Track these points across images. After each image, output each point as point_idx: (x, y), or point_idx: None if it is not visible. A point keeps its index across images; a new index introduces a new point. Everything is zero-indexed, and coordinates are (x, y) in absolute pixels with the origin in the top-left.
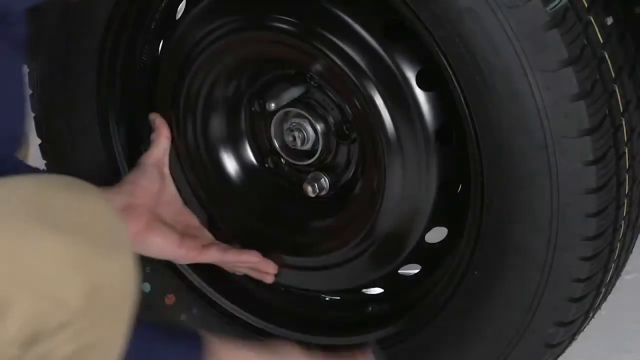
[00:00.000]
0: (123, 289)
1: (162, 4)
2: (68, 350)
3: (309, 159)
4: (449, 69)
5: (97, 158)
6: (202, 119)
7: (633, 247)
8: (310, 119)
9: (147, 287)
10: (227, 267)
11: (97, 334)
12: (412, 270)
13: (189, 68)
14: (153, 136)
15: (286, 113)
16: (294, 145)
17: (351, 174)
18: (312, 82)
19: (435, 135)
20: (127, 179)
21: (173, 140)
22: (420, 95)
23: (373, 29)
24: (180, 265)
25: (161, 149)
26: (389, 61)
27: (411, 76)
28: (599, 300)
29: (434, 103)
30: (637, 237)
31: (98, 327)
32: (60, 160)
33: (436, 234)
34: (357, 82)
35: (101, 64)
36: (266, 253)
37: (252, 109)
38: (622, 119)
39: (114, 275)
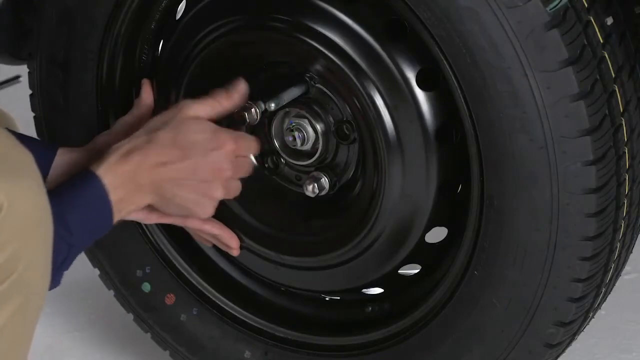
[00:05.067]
0: (31, 209)
1: (162, 4)
2: None
3: (309, 159)
4: (449, 69)
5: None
6: None
7: (633, 247)
8: (310, 119)
9: (147, 287)
10: (196, 238)
11: (15, 251)
12: (412, 270)
13: (188, 68)
14: (135, 101)
15: (286, 113)
16: (294, 145)
17: (351, 174)
18: (312, 82)
19: (435, 135)
20: (95, 139)
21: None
22: (420, 95)
23: (373, 29)
24: (180, 265)
25: (137, 115)
26: (389, 61)
27: (411, 76)
28: (599, 300)
29: (434, 103)
30: (637, 237)
31: (14, 245)
32: None
33: (436, 234)
34: (357, 82)
35: (101, 64)
36: (267, 252)
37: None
38: (622, 119)
39: (20, 196)
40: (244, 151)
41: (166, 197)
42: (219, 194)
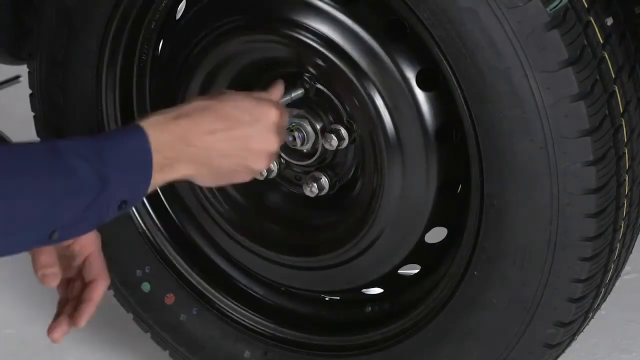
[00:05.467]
0: None
1: (162, 4)
2: None
3: (309, 159)
4: (449, 69)
5: None
6: None
7: (633, 247)
8: (310, 118)
9: (146, 286)
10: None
11: None
12: (412, 270)
13: (188, 68)
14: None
15: None
16: (294, 145)
17: (351, 174)
18: (312, 82)
19: (435, 135)
20: None
21: None
22: (420, 95)
23: (373, 29)
24: (180, 265)
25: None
26: (389, 61)
27: (411, 76)
28: (598, 301)
29: (434, 103)
30: (637, 237)
31: None
32: None
33: (436, 234)
34: (357, 82)
35: (101, 63)
36: (266, 252)
37: None
38: (622, 119)
39: None
40: (285, 121)
41: (211, 166)
42: (261, 166)
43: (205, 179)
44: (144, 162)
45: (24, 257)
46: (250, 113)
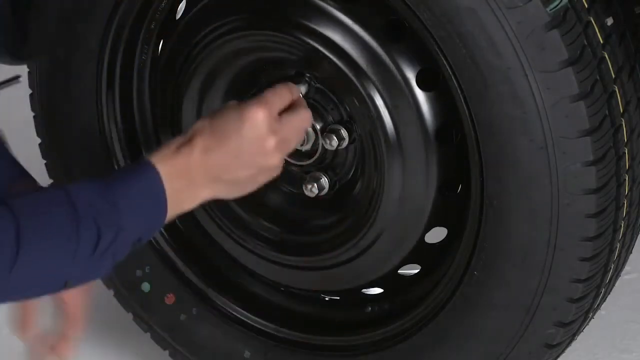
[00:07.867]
0: None
1: (162, 4)
2: None
3: (309, 159)
4: (449, 69)
5: (96, 157)
6: None
7: (633, 247)
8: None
9: (146, 286)
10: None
11: None
12: (412, 270)
13: (188, 68)
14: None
15: None
16: None
17: (351, 174)
18: (312, 82)
19: (435, 135)
20: None
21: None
22: (420, 95)
23: (373, 29)
24: (180, 265)
25: None
26: (389, 61)
27: (411, 76)
28: (598, 301)
29: (434, 103)
30: (637, 237)
31: None
32: (60, 160)
33: (436, 234)
34: (357, 82)
35: (101, 63)
36: (266, 252)
37: None
38: (622, 119)
39: None
40: (278, 107)
41: (226, 183)
42: (275, 160)
43: (229, 193)
44: (158, 203)
45: None
46: (234, 122)
